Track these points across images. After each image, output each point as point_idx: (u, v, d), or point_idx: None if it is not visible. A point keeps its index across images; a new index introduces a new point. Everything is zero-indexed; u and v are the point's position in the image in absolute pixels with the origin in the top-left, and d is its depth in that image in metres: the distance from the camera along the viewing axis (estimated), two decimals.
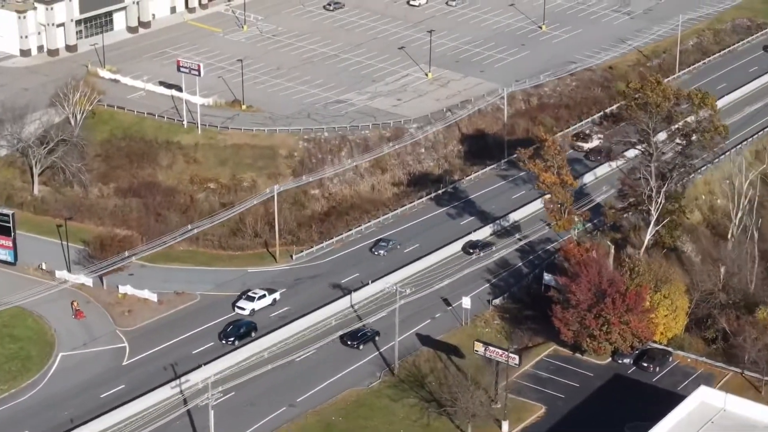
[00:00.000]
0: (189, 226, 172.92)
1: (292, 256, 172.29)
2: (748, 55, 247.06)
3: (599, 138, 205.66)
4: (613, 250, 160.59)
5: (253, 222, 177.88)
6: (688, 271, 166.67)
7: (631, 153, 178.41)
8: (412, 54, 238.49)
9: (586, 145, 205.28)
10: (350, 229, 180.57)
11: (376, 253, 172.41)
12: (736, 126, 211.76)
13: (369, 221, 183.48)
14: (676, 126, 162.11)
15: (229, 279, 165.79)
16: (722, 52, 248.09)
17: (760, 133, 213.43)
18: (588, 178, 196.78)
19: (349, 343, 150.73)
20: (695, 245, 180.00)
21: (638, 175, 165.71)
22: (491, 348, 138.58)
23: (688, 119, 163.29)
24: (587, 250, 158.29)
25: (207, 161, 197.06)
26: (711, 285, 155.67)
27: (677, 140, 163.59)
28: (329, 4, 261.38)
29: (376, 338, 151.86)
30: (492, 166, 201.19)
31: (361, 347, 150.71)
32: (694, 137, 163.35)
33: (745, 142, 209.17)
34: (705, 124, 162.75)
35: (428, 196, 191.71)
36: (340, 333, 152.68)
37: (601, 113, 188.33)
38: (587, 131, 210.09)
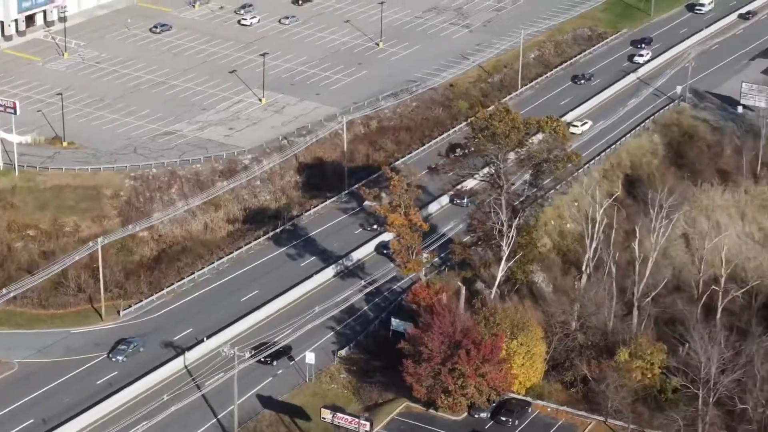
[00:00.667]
0: (5, 290, 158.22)
1: (119, 312, 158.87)
2: (589, 67, 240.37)
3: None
4: (464, 291, 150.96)
5: (75, 275, 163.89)
6: (542, 306, 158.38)
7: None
8: (245, 78, 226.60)
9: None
10: (182, 278, 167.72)
11: (113, 359, 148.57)
12: (581, 144, 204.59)
13: (203, 267, 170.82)
14: (527, 156, 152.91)
15: (50, 343, 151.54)
16: (564, 66, 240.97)
17: (607, 151, 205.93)
18: (433, 207, 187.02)
19: None
20: (547, 275, 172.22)
21: (487, 208, 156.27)
22: (339, 414, 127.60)
23: (539, 148, 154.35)
24: (437, 293, 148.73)
25: (25, 206, 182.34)
26: (567, 325, 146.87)
27: (528, 171, 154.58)
28: (156, 27, 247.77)
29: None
30: (332, 199, 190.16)
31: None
32: (545, 167, 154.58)
33: (592, 162, 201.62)
34: (556, 152, 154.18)
35: (266, 236, 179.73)
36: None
37: (448, 145, 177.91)
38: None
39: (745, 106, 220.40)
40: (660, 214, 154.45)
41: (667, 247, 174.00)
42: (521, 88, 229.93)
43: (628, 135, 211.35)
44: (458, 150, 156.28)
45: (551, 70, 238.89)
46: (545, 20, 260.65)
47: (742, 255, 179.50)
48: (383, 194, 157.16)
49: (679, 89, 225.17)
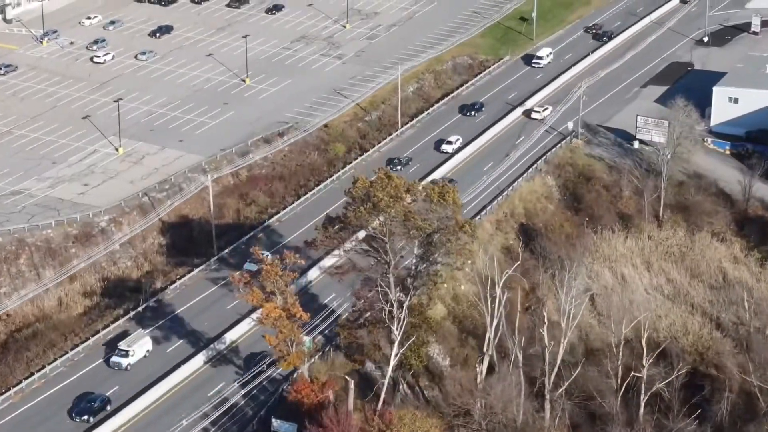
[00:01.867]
0: None
1: None
2: (471, 98, 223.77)
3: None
4: (352, 386, 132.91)
5: None
6: (441, 388, 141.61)
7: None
8: (100, 124, 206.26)
9: None
10: (32, 373, 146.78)
11: None
12: (471, 193, 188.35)
13: (55, 359, 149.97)
14: (414, 227, 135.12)
15: None
16: (446, 99, 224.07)
17: (499, 199, 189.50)
18: (314, 273, 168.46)
19: None
20: (442, 346, 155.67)
21: (375, 287, 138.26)
22: None
23: (428, 218, 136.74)
24: (322, 388, 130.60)
25: None
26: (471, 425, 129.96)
27: (417, 245, 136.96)
28: None
29: None
30: (200, 268, 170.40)
31: None
32: (435, 238, 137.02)
33: (484, 212, 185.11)
34: (447, 222, 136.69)
35: (126, 316, 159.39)
36: None
37: (325, 216, 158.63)
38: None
39: (641, 141, 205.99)
40: (569, 294, 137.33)
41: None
42: (402, 126, 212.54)
43: (520, 178, 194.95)
44: (337, 224, 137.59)
45: (432, 105, 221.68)
46: (422, 49, 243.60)
47: (652, 313, 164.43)
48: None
49: (570, 124, 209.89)
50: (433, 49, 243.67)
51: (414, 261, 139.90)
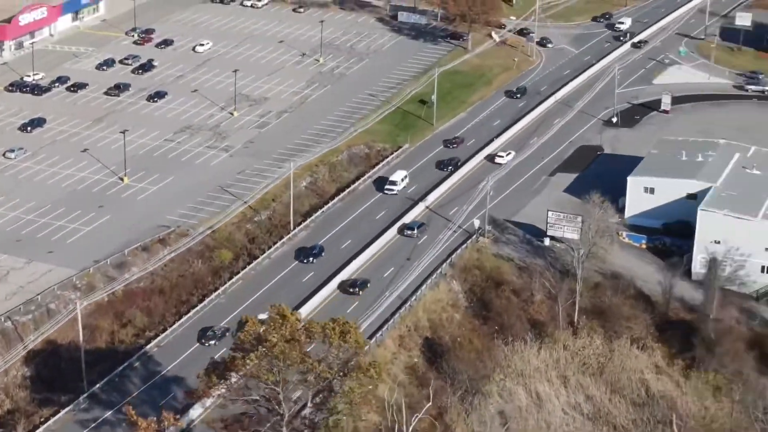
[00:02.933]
0: None
1: None
2: (365, 200, 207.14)
3: None
4: None
5: None
6: None
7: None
8: None
9: None
10: None
11: None
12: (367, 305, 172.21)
13: None
14: (312, 372, 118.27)
15: None
16: (341, 196, 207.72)
17: (401, 311, 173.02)
18: (196, 411, 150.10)
19: None
20: None
21: None
22: None
23: (327, 360, 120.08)
24: None
25: None
26: None
27: (315, 393, 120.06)
28: None
29: None
30: (68, 408, 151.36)
31: None
32: (336, 385, 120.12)
33: (386, 327, 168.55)
34: (349, 364, 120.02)
35: None
36: None
37: (210, 361, 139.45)
38: None
39: (552, 238, 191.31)
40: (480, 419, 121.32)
41: None
42: (294, 227, 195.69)
43: (424, 285, 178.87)
44: (223, 370, 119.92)
45: (327, 202, 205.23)
46: (315, 137, 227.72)
47: None
48: None
49: (477, 222, 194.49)
50: (326, 137, 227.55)
51: (311, 411, 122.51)
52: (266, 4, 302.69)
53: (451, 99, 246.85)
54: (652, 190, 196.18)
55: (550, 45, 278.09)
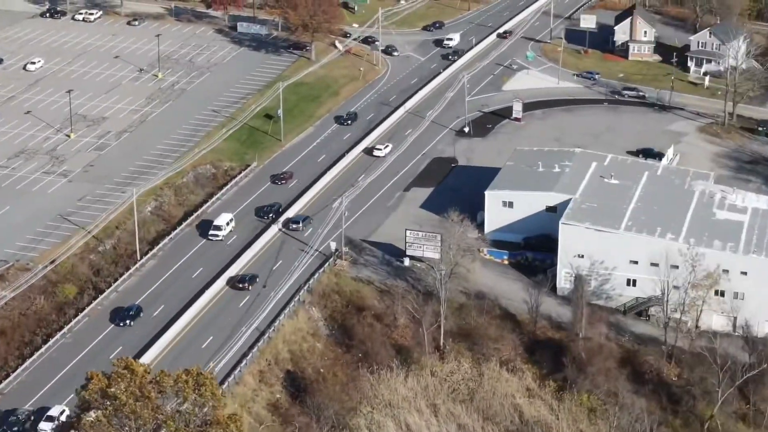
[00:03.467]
0: None
1: None
2: (217, 214, 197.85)
3: None
4: None
5: None
6: None
7: None
8: None
9: None
10: None
11: None
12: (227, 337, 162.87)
13: None
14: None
15: None
16: (189, 221, 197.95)
17: (260, 344, 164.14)
18: None
19: None
20: None
21: None
22: None
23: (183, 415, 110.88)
24: None
25: None
26: None
27: None
28: None
29: None
30: None
31: None
32: None
33: (244, 363, 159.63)
34: (207, 419, 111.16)
35: None
36: None
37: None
38: None
39: (412, 257, 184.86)
40: None
41: None
42: (141, 257, 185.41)
43: (282, 315, 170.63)
44: None
45: (174, 227, 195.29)
46: (158, 158, 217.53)
47: None
48: None
49: (333, 244, 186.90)
50: (170, 157, 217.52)
51: None
52: (99, 17, 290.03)
53: (298, 113, 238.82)
54: (510, 204, 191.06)
55: (396, 54, 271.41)
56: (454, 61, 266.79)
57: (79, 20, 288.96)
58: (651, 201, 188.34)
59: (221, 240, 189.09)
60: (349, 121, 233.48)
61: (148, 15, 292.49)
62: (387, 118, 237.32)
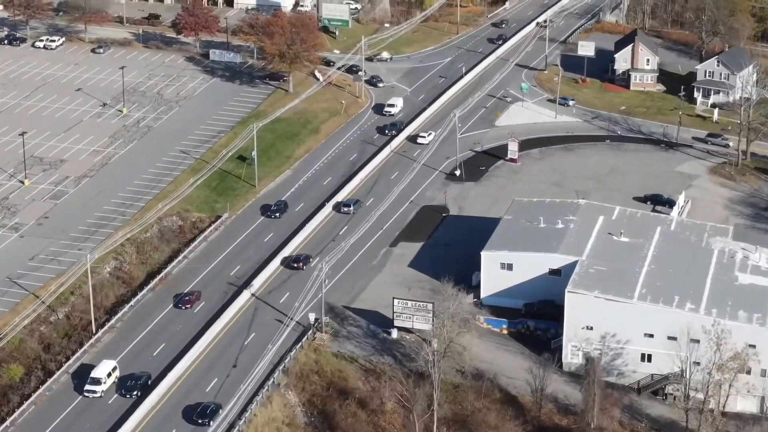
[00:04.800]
0: None
1: None
2: (186, 280, 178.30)
3: None
4: None
5: None
6: None
7: None
8: None
9: None
10: None
11: None
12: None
13: None
14: None
15: None
16: (152, 284, 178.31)
17: None
18: None
19: None
20: None
21: None
22: None
23: None
24: None
25: None
26: None
27: None
28: None
29: None
30: None
31: None
32: None
33: None
34: None
35: None
36: None
37: None
38: None
39: (400, 329, 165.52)
40: None
41: None
42: (97, 330, 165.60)
43: (254, 403, 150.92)
44: None
45: (136, 292, 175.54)
46: (120, 207, 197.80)
47: None
48: None
49: (311, 316, 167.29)
50: (133, 206, 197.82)
51: None
52: (61, 44, 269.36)
53: (275, 154, 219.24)
54: (509, 266, 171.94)
55: (381, 85, 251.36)
56: (394, 136, 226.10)
57: (39, 47, 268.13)
58: (666, 263, 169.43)
59: (100, 397, 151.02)
60: (278, 213, 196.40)
61: (114, 41, 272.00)
62: (371, 159, 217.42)
